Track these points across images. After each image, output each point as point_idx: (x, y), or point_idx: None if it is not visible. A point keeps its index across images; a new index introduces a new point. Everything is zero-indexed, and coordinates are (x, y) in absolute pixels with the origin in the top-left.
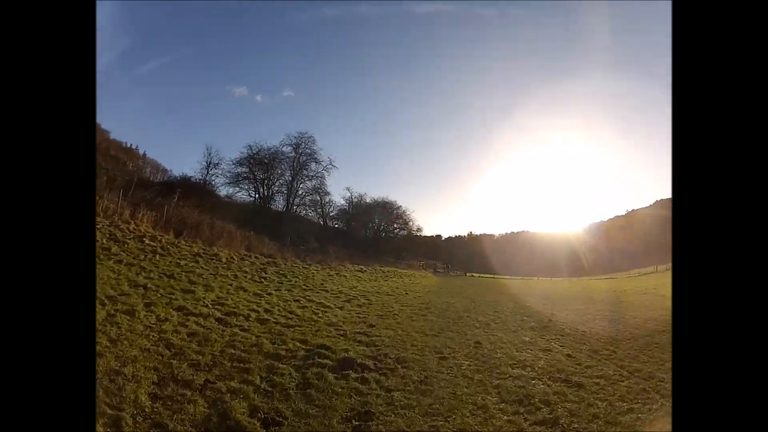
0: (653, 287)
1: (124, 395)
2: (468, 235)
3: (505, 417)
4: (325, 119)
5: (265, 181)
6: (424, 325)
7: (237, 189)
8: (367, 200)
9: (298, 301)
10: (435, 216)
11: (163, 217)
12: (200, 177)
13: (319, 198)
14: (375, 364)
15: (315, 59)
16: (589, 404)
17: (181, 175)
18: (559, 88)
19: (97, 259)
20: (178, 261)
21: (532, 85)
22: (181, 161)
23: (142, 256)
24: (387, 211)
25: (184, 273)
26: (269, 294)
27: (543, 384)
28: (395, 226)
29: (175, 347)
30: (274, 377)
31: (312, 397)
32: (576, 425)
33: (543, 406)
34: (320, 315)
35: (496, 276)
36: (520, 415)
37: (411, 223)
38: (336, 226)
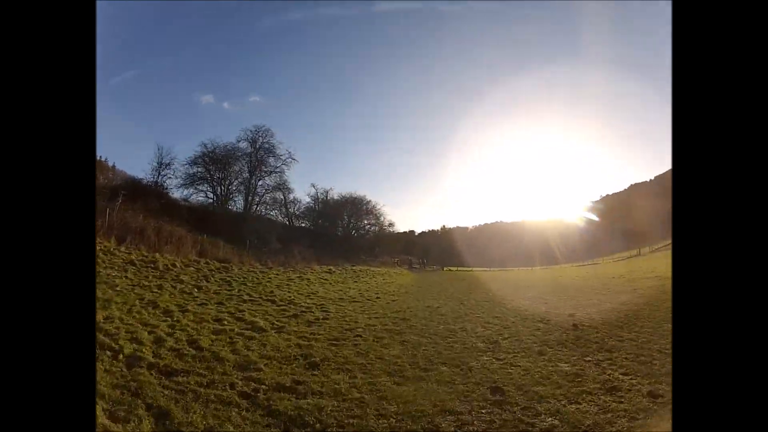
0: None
1: None
2: (441, 228)
3: None
4: (290, 120)
5: (223, 181)
6: (399, 355)
7: (192, 190)
8: (335, 196)
9: (220, 320)
10: (407, 212)
11: (105, 224)
12: (151, 179)
13: (282, 196)
14: None
15: (279, 63)
16: None
17: (128, 177)
18: (526, 79)
19: None
20: (102, 270)
21: (500, 77)
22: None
23: None
24: (357, 207)
25: (98, 285)
26: (185, 312)
27: None
28: (366, 222)
29: None
30: None
31: None
32: None
33: None
34: (236, 346)
35: (473, 269)
36: None
37: (383, 219)
38: (303, 225)
